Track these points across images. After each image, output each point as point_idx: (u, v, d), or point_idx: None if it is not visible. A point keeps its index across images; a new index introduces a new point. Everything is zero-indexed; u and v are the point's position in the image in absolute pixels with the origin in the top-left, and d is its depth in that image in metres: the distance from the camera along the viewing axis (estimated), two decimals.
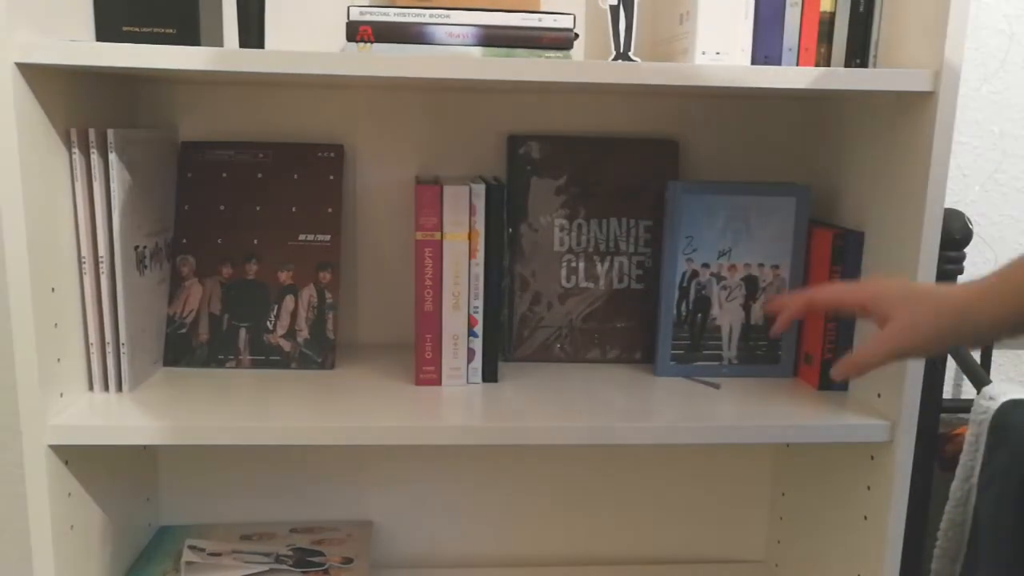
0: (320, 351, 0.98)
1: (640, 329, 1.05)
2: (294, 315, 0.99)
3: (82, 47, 0.74)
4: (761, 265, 0.99)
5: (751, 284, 0.99)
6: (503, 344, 1.06)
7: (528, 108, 1.06)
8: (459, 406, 0.88)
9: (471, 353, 0.94)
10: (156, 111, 1.03)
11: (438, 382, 0.94)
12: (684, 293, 0.99)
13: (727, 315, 1.00)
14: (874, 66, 0.89)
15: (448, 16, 0.84)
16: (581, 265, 1.04)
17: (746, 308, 1.00)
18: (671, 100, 1.07)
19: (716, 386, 0.97)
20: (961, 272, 1.17)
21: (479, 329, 0.94)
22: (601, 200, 1.04)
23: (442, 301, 0.92)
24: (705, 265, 0.98)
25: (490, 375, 0.96)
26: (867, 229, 0.92)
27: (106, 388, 0.88)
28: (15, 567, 0.83)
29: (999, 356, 1.24)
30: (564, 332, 1.05)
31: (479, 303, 0.93)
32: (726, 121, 1.08)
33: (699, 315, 1.00)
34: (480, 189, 0.91)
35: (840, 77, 0.80)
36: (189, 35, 0.82)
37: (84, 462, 0.87)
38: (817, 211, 1.04)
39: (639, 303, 1.05)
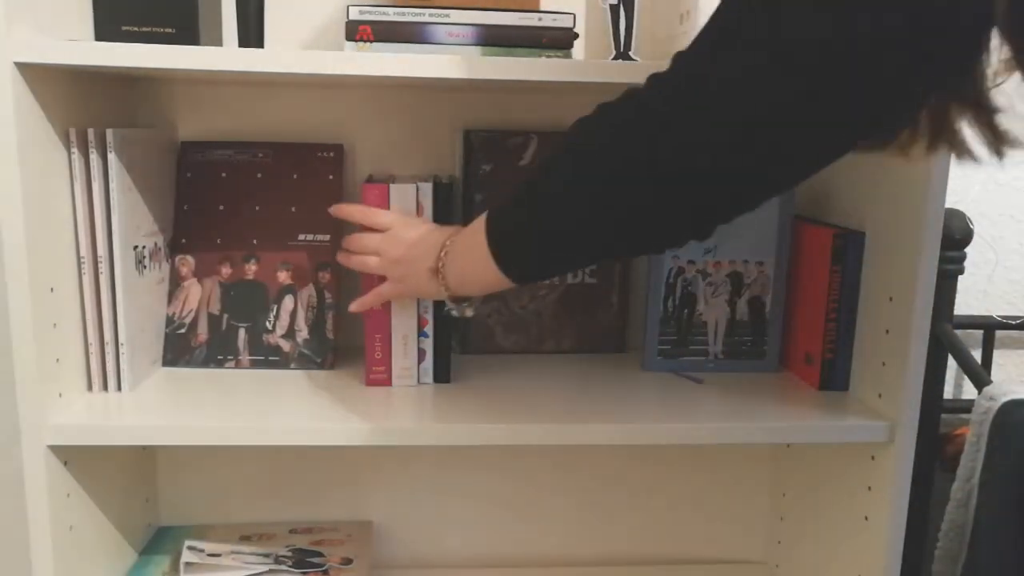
0: (320, 351, 0.98)
1: (593, 322, 1.08)
2: (293, 315, 0.99)
3: (82, 47, 0.74)
4: (746, 262, 1.00)
5: (736, 280, 1.00)
6: (460, 338, 1.07)
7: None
8: (456, 408, 0.87)
9: (422, 353, 0.93)
10: (156, 111, 1.03)
11: (388, 382, 0.92)
12: (671, 289, 1.00)
13: (713, 311, 1.01)
14: None
15: (448, 15, 0.84)
16: None
17: (731, 304, 1.01)
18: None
19: (699, 380, 0.98)
20: (961, 272, 1.17)
21: (429, 329, 0.92)
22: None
23: (388, 307, 0.91)
24: (691, 262, 1.00)
25: (442, 375, 0.94)
26: (867, 228, 0.92)
27: (105, 388, 0.88)
28: (14, 567, 0.83)
29: (1000, 356, 1.24)
30: (519, 325, 1.07)
31: (428, 303, 0.92)
32: None
33: (685, 311, 1.01)
34: (427, 187, 0.89)
35: None
36: (188, 35, 0.82)
37: (83, 462, 0.86)
38: (809, 209, 1.04)
39: (592, 297, 1.07)
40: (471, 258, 0.72)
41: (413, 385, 0.93)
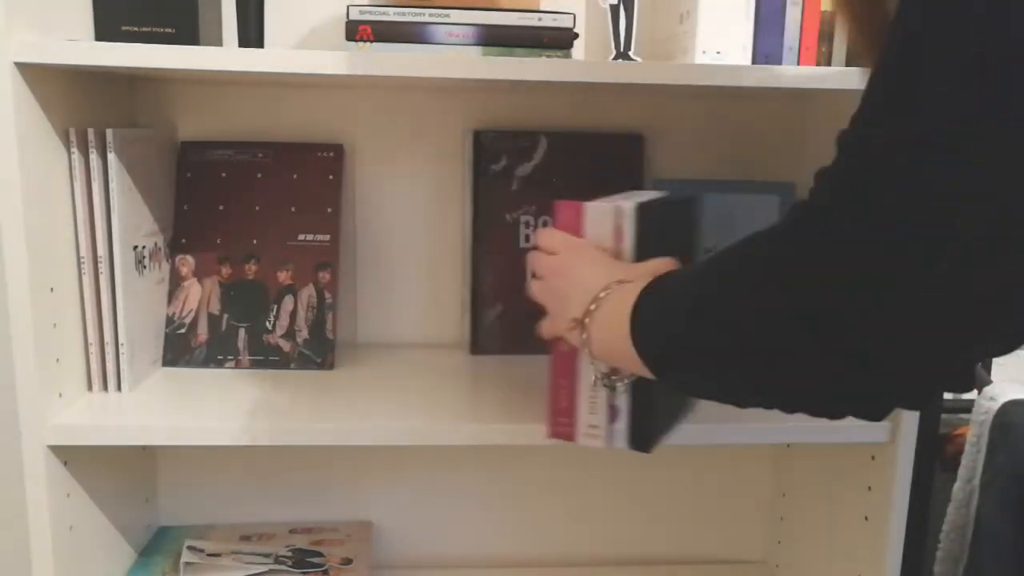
0: (320, 351, 0.98)
1: None
2: (293, 315, 0.99)
3: (82, 47, 0.74)
4: None
5: None
6: (475, 338, 1.06)
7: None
8: (458, 405, 0.87)
9: (614, 411, 0.73)
10: (156, 111, 1.03)
11: (572, 437, 0.76)
12: None
13: None
14: None
15: (448, 15, 0.84)
16: None
17: None
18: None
19: None
20: None
21: (626, 382, 0.71)
22: (566, 195, 1.05)
23: (575, 348, 0.72)
24: None
25: (640, 441, 0.73)
26: None
27: (105, 388, 0.88)
28: (14, 567, 0.83)
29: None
30: (527, 325, 1.06)
31: None
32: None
33: None
34: (629, 207, 0.69)
35: (841, 76, 0.80)
36: (188, 35, 0.82)
37: (83, 462, 0.86)
38: None
39: None
40: (617, 323, 0.59)
41: (603, 448, 0.76)
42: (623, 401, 0.73)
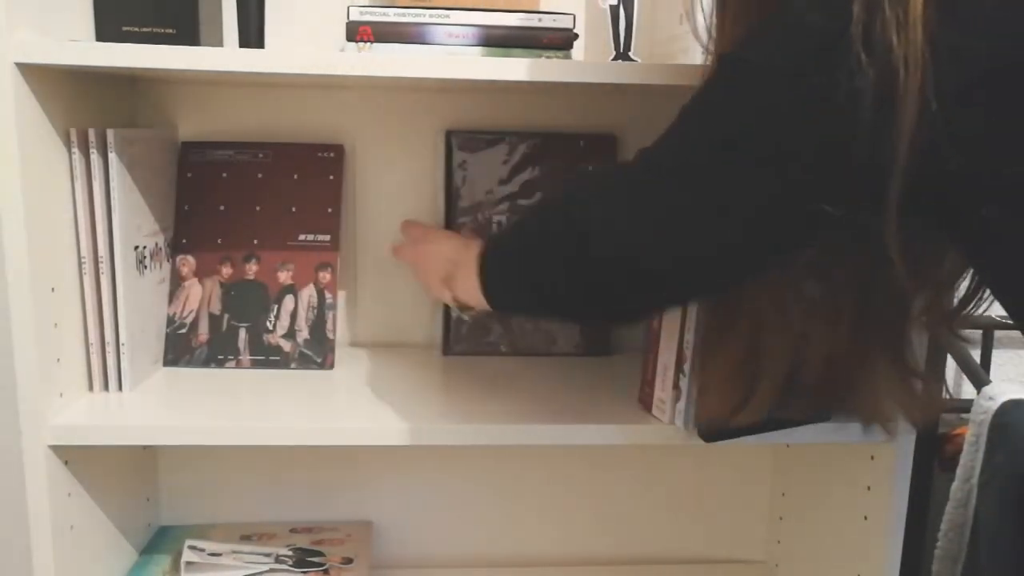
0: (320, 351, 0.98)
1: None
2: (294, 315, 0.99)
3: (82, 47, 0.74)
4: None
5: None
6: (446, 338, 1.07)
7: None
8: (459, 405, 0.88)
9: (677, 392, 0.80)
10: (156, 111, 1.03)
11: (649, 407, 0.85)
12: None
13: None
14: None
15: (448, 16, 0.84)
16: None
17: None
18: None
19: None
20: None
21: (688, 367, 0.78)
22: (539, 195, 1.05)
23: (662, 323, 0.82)
24: None
25: (702, 428, 0.79)
26: None
27: (106, 388, 0.88)
28: (15, 567, 0.83)
29: (999, 356, 1.24)
30: (501, 326, 1.07)
31: (691, 337, 0.78)
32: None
33: None
34: None
35: None
36: (189, 35, 0.82)
37: (84, 462, 0.87)
38: None
39: None
40: (472, 279, 0.76)
41: (665, 424, 0.83)
42: (685, 385, 0.79)
